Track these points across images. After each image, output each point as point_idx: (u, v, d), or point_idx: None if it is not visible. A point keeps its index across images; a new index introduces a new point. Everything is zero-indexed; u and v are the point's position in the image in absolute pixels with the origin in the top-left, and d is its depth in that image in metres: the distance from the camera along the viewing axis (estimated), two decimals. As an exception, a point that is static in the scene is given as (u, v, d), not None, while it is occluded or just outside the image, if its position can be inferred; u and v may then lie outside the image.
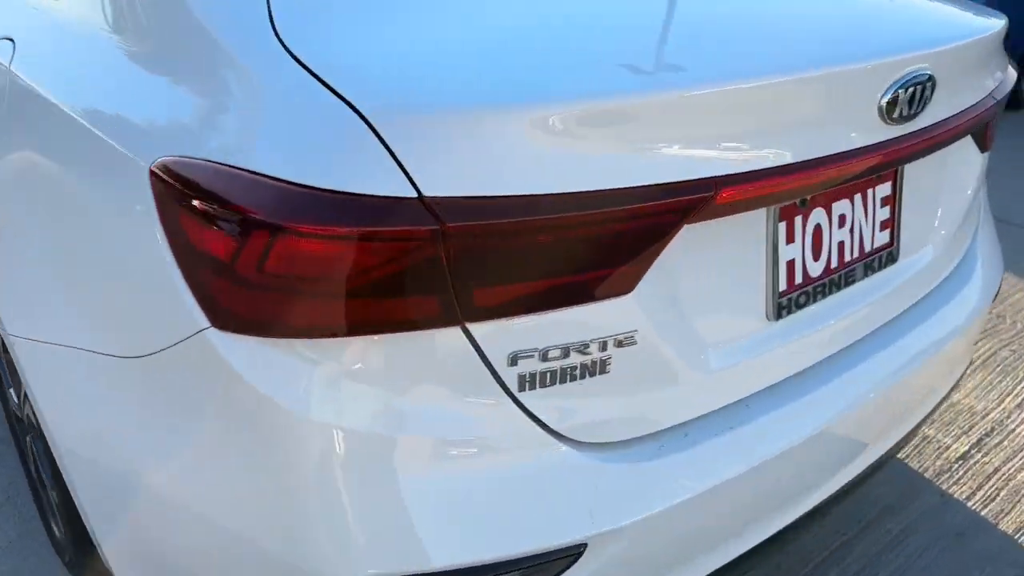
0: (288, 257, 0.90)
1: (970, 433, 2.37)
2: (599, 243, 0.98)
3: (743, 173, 1.06)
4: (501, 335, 0.98)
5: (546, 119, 0.93)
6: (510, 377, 1.01)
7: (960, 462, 2.25)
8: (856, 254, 1.36)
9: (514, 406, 1.02)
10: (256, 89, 0.95)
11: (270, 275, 0.91)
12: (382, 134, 0.88)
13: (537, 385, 1.03)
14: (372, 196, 0.88)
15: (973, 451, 2.30)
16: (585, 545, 1.07)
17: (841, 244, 1.33)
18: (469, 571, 1.01)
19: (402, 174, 0.89)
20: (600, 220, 0.97)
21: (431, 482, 0.99)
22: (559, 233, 0.96)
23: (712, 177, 1.03)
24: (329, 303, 0.91)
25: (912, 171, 1.44)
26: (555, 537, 1.04)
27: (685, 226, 1.05)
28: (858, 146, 1.19)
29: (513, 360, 1.00)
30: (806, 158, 1.13)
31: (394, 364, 0.96)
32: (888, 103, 1.19)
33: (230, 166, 0.92)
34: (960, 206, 1.58)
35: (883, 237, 1.42)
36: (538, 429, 1.04)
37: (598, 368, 1.06)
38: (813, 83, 1.11)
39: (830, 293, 1.32)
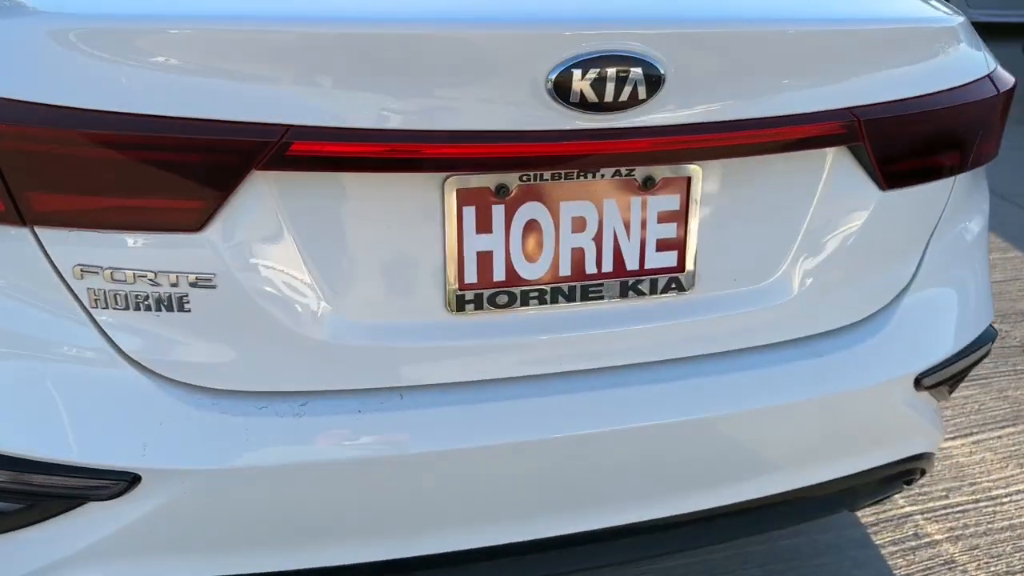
0: None
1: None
2: (157, 171, 0.98)
3: (330, 128, 0.99)
4: (68, 244, 1.00)
5: (90, 35, 0.95)
6: (80, 289, 1.03)
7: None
8: (609, 268, 1.17)
9: (85, 317, 1.04)
10: None
11: None
12: None
13: (110, 305, 1.04)
14: None
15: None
16: (139, 477, 1.05)
17: (579, 251, 1.15)
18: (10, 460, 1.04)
19: None
20: (156, 145, 0.97)
21: None
22: (114, 152, 0.96)
23: (282, 124, 0.97)
24: None
25: (718, 189, 1.19)
26: (103, 456, 1.05)
27: (272, 172, 1.00)
28: (521, 129, 1.03)
29: (81, 273, 1.02)
30: (432, 128, 1.01)
31: None
32: (556, 83, 1.00)
33: None
34: (834, 248, 1.27)
35: (664, 258, 1.19)
36: (110, 349, 1.05)
37: (175, 304, 1.04)
38: (438, 41, 1.01)
39: (556, 302, 1.17)
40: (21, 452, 1.04)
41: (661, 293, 1.19)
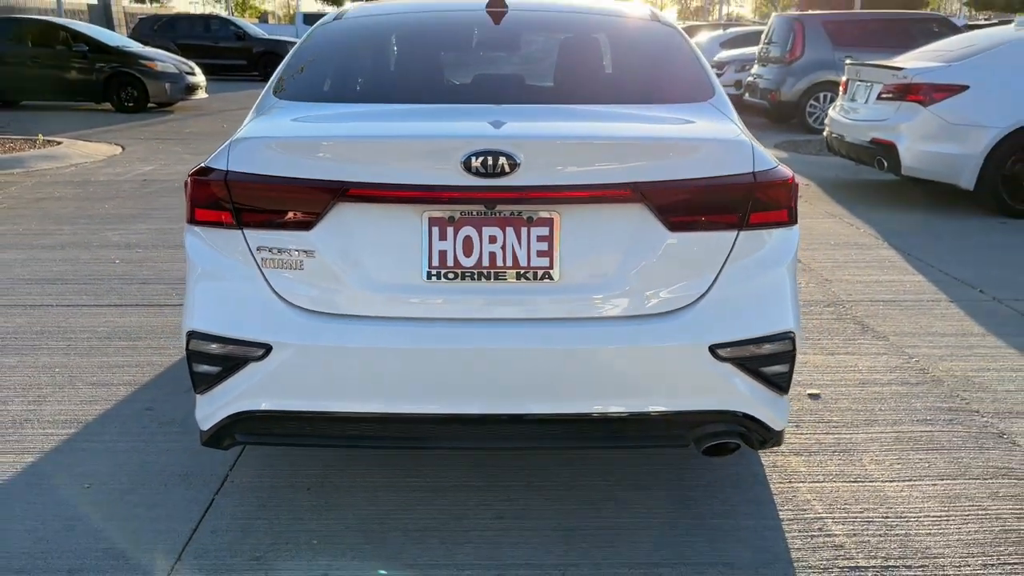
0: None
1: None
2: (295, 201, 2.09)
3: (364, 182, 2.06)
4: (255, 236, 2.12)
5: (273, 143, 2.21)
6: (258, 257, 2.12)
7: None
8: (510, 264, 2.09)
9: (258, 271, 2.12)
10: None
11: None
12: None
13: (270, 265, 2.12)
14: None
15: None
16: (271, 347, 2.09)
17: (493, 254, 2.08)
18: (220, 338, 2.13)
19: None
20: (296, 190, 2.09)
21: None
22: (277, 193, 2.12)
23: (346, 180, 2.06)
24: None
25: (573, 226, 2.08)
26: (258, 336, 2.10)
27: (342, 202, 2.06)
28: (449, 184, 2.02)
29: (259, 249, 2.12)
30: (417, 183, 2.04)
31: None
32: (463, 163, 2.00)
33: None
34: (645, 264, 2.10)
35: (541, 261, 2.09)
36: (267, 286, 2.13)
37: (296, 265, 2.10)
38: (416, 144, 2.15)
39: (479, 280, 2.09)
40: (226, 334, 2.14)
41: (538, 280, 2.11)
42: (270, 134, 2.21)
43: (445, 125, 2.26)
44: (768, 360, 2.17)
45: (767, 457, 2.85)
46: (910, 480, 2.72)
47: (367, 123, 2.34)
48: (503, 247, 2.06)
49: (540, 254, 2.07)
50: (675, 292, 2.12)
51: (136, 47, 15.17)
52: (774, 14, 14.14)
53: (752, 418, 2.19)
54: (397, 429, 2.17)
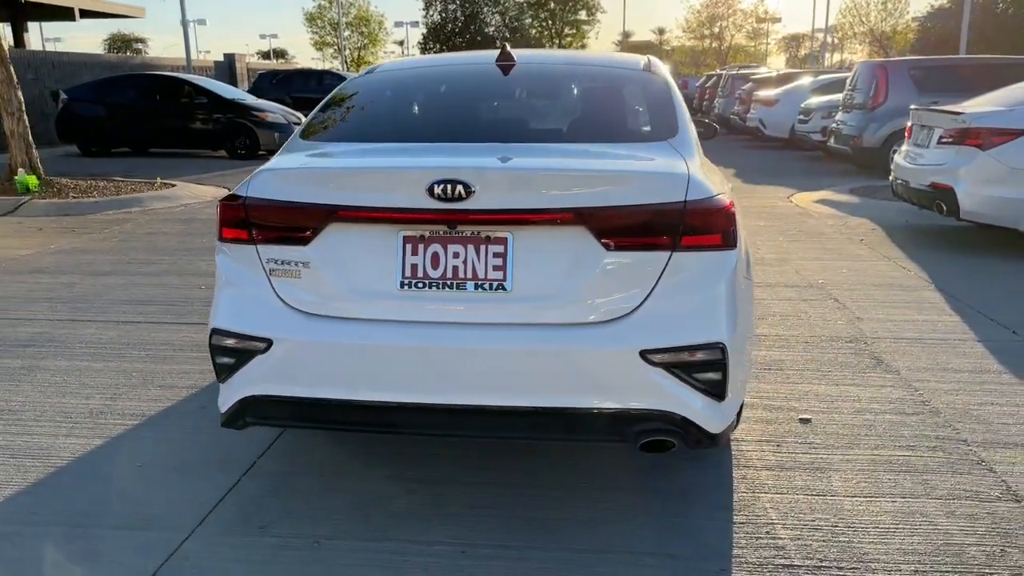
0: None
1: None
2: (296, 221, 2.53)
3: (349, 206, 2.47)
4: (265, 250, 2.57)
5: (283, 174, 2.72)
6: (266, 267, 2.58)
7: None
8: (471, 276, 2.46)
9: (267, 279, 2.58)
10: None
11: None
12: None
13: (276, 274, 2.56)
14: None
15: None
16: (272, 342, 2.52)
17: (456, 267, 2.46)
18: (234, 333, 2.59)
19: None
20: (298, 212, 2.53)
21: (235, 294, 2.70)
22: (282, 215, 2.57)
23: (336, 204, 2.48)
24: None
25: (525, 244, 2.43)
26: (263, 332, 2.55)
27: (333, 223, 2.49)
28: (416, 207, 2.42)
29: (268, 261, 2.57)
30: (385, 206, 2.46)
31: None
32: (428, 189, 2.38)
33: None
34: (586, 279, 2.41)
35: (497, 274, 2.45)
36: (273, 291, 2.58)
37: (295, 274, 2.53)
38: (392, 174, 2.59)
39: (444, 288, 2.46)
40: (238, 330, 2.60)
41: (494, 291, 2.44)
42: (281, 167, 2.67)
43: (419, 159, 2.66)
44: (699, 367, 2.43)
45: (739, 471, 3.06)
46: (871, 497, 2.87)
47: (359, 158, 2.77)
48: (464, 262, 2.43)
49: (496, 268, 2.42)
50: (613, 303, 2.42)
51: (250, 100, 16.52)
52: (859, 61, 14.07)
53: (686, 420, 2.44)
54: (376, 416, 2.54)
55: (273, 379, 2.53)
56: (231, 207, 2.60)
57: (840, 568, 2.45)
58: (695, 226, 2.42)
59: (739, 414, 2.78)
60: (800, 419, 3.52)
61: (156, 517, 2.77)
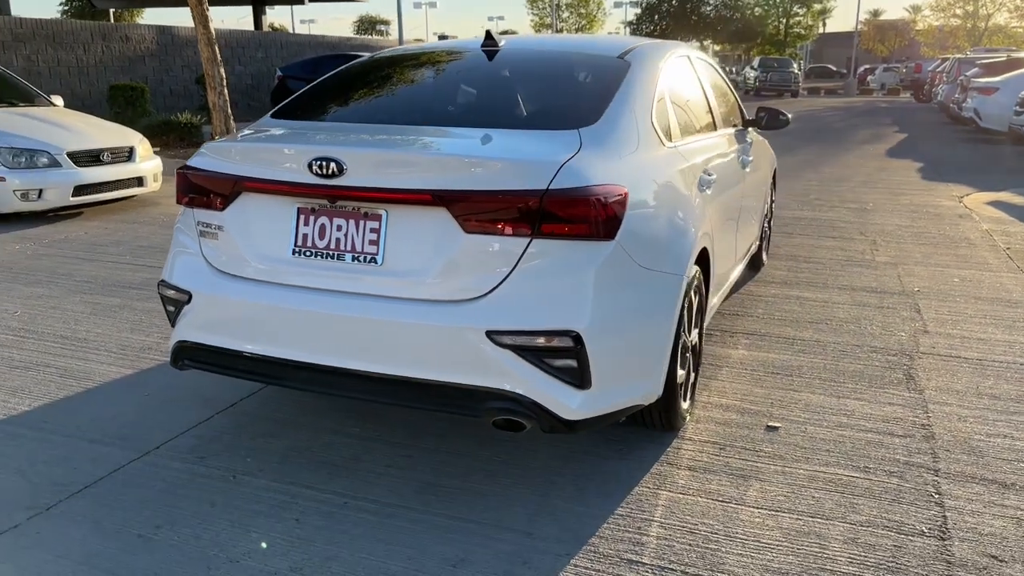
0: None
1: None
2: (217, 190, 2.86)
3: (252, 177, 2.75)
4: (198, 214, 2.95)
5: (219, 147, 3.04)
6: (198, 230, 2.95)
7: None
8: (348, 247, 2.67)
9: (197, 239, 2.96)
10: None
11: None
12: None
13: (202, 235, 2.93)
14: None
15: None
16: (191, 295, 2.90)
17: (338, 240, 2.67)
18: (172, 286, 3.00)
19: None
20: (222, 182, 2.85)
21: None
22: (214, 183, 2.90)
23: (243, 175, 2.78)
24: None
25: (398, 221, 2.61)
26: (188, 286, 2.92)
27: (243, 193, 2.81)
28: (300, 182, 2.64)
29: (198, 224, 2.95)
30: (278, 179, 2.70)
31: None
32: (307, 165, 2.60)
33: None
34: (448, 259, 2.54)
35: (371, 248, 2.63)
36: (201, 252, 2.94)
37: (213, 236, 2.89)
38: (284, 150, 2.80)
39: (327, 259, 2.70)
40: (173, 282, 2.98)
41: (368, 264, 2.61)
42: (218, 142, 2.99)
43: (313, 137, 2.89)
44: (552, 353, 2.46)
45: (661, 466, 3.02)
46: (776, 511, 2.73)
47: (274, 136, 3.03)
48: (345, 235, 2.64)
49: (371, 243, 2.61)
50: (470, 283, 2.51)
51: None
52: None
53: (536, 404, 2.49)
54: (270, 369, 2.81)
55: (197, 327, 2.90)
56: (181, 175, 2.98)
57: (685, 573, 2.40)
58: (557, 215, 2.44)
59: (679, 410, 2.98)
60: (767, 426, 3.36)
61: (130, 437, 3.26)
